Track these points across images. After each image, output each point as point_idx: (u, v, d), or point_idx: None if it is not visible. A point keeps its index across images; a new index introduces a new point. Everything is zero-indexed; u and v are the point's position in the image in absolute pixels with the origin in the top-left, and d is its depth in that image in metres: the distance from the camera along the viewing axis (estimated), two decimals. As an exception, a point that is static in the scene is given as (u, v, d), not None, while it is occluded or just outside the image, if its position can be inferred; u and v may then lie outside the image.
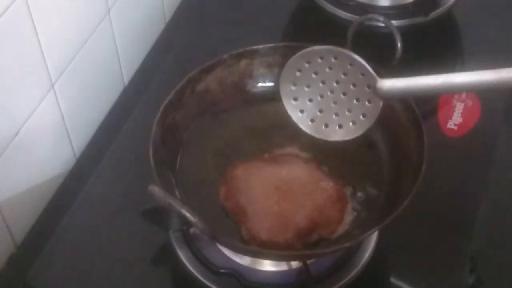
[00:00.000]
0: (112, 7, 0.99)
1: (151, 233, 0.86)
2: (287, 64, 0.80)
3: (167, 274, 0.86)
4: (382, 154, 0.87)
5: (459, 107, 1.03)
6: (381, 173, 0.85)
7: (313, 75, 0.79)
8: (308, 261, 0.81)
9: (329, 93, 0.79)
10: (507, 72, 0.68)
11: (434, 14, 1.09)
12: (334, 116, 0.80)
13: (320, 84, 0.79)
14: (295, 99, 0.81)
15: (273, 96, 0.93)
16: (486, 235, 0.88)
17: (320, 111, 0.80)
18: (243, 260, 0.83)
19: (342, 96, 0.79)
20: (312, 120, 0.81)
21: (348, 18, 1.07)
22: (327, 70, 0.78)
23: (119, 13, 1.00)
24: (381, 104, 0.76)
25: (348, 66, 0.77)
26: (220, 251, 0.84)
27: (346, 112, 0.79)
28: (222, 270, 0.82)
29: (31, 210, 0.92)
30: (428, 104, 1.03)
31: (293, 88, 0.81)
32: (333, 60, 0.77)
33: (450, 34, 1.16)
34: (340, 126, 0.80)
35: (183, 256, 0.84)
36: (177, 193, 0.82)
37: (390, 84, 0.75)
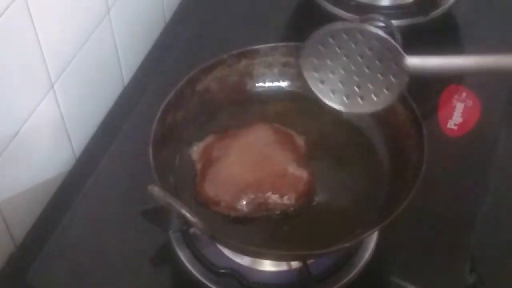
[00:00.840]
0: (112, 7, 0.99)
1: (151, 233, 0.86)
2: (310, 38, 0.79)
3: (167, 274, 0.86)
4: (382, 154, 0.87)
5: (459, 107, 1.03)
6: (381, 173, 0.85)
7: (337, 49, 0.79)
8: (308, 261, 0.81)
9: (352, 67, 0.79)
10: None
11: (434, 14, 1.09)
12: (356, 88, 0.79)
13: (344, 58, 0.79)
14: (316, 70, 0.80)
15: (273, 96, 0.93)
16: (486, 235, 0.88)
17: (342, 83, 0.80)
18: (243, 260, 0.83)
19: (366, 70, 0.78)
20: (332, 91, 0.80)
21: (348, 18, 1.07)
22: (352, 45, 0.78)
23: (119, 13, 1.00)
24: (407, 79, 0.76)
25: (375, 42, 0.77)
26: (220, 251, 0.84)
27: (369, 85, 0.78)
28: (222, 270, 0.82)
29: (31, 210, 0.92)
30: (428, 104, 1.03)
31: (315, 61, 0.80)
32: (359, 36, 0.77)
33: (450, 34, 1.16)
34: (362, 98, 0.79)
35: (183, 256, 0.84)
36: (177, 193, 0.82)
37: (419, 61, 0.75)
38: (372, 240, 0.85)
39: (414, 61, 0.75)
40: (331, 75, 0.80)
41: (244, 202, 0.81)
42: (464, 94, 1.04)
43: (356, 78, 0.79)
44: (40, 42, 0.84)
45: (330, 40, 0.78)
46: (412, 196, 0.75)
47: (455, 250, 0.87)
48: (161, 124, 0.83)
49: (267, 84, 0.94)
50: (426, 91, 1.04)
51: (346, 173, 0.85)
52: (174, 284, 0.86)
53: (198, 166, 0.85)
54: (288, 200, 0.81)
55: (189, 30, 1.16)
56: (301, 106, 0.92)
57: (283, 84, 0.94)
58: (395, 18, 1.03)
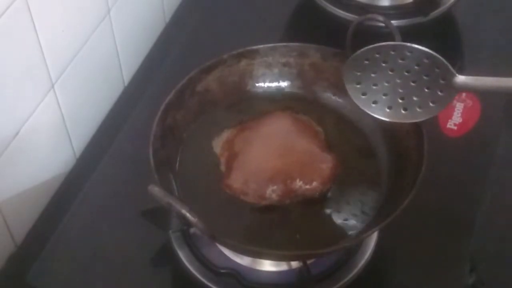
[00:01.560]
0: (112, 7, 0.99)
1: (151, 233, 0.86)
2: (355, 55, 0.81)
3: (167, 274, 0.86)
4: (382, 154, 0.87)
5: (459, 107, 1.03)
6: (381, 173, 0.85)
7: (383, 64, 0.80)
8: (308, 261, 0.81)
9: (397, 80, 0.79)
10: None
11: (434, 14, 1.09)
12: (399, 99, 0.79)
13: (389, 72, 0.79)
14: (359, 82, 0.80)
15: (273, 96, 0.93)
16: (486, 235, 0.88)
17: (385, 94, 0.79)
18: (243, 260, 0.83)
19: (411, 83, 0.79)
20: (374, 102, 0.80)
21: (348, 18, 1.07)
22: (399, 61, 0.79)
23: (119, 13, 1.00)
24: (455, 94, 0.77)
25: (424, 60, 0.78)
26: (220, 251, 0.84)
27: (414, 97, 0.78)
28: (222, 270, 0.82)
29: (31, 210, 0.92)
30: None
31: (358, 73, 0.80)
32: (406, 53, 0.79)
33: (450, 34, 1.16)
34: (405, 109, 0.79)
35: (183, 256, 0.84)
36: (177, 193, 0.82)
37: (471, 81, 0.76)
38: (372, 240, 0.85)
39: (466, 81, 0.77)
40: (374, 87, 0.80)
41: (273, 190, 0.81)
42: (464, 94, 1.04)
43: (400, 90, 0.79)
44: (41, 42, 0.84)
45: (376, 55, 0.80)
46: (412, 196, 0.75)
47: (455, 250, 0.87)
48: (161, 124, 0.83)
49: (267, 84, 0.94)
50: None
51: (346, 173, 0.85)
52: (174, 284, 0.86)
53: (222, 160, 0.86)
54: (316, 185, 0.82)
55: (189, 30, 1.16)
56: (301, 106, 0.92)
57: (283, 84, 0.94)
58: (395, 18, 1.03)
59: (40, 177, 0.92)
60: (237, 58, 0.91)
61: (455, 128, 1.00)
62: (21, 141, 0.84)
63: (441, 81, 0.77)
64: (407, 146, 0.83)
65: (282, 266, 0.83)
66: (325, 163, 0.84)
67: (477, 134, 1.00)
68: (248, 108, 0.92)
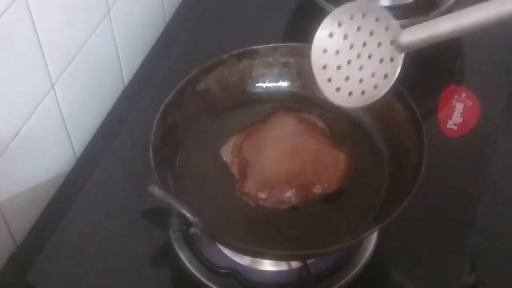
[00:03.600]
0: (112, 7, 0.99)
1: (151, 233, 0.86)
2: (321, 27, 0.78)
3: (167, 274, 0.86)
4: (382, 154, 0.87)
5: (459, 107, 1.03)
6: (381, 173, 0.85)
7: (343, 39, 0.78)
8: (308, 261, 0.81)
9: (356, 58, 0.78)
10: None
11: (434, 14, 1.09)
12: (359, 82, 0.78)
13: (349, 49, 0.78)
14: (324, 67, 0.79)
15: (273, 96, 0.93)
16: (486, 235, 0.88)
17: (347, 78, 0.78)
18: (243, 260, 0.83)
19: (368, 59, 0.77)
20: (338, 89, 0.79)
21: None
22: (356, 31, 0.77)
23: (119, 13, 1.00)
24: (402, 58, 0.75)
25: (375, 22, 0.76)
26: (220, 251, 0.84)
27: (371, 77, 0.77)
28: (222, 270, 0.82)
29: (31, 210, 0.92)
30: (428, 104, 1.03)
31: (324, 54, 0.79)
32: (361, 18, 0.77)
33: (450, 34, 1.15)
34: (363, 92, 0.78)
35: (183, 256, 0.84)
36: (177, 193, 0.82)
37: (412, 31, 0.75)
38: (372, 240, 0.85)
39: (409, 33, 0.75)
40: (336, 70, 0.79)
41: (292, 193, 0.81)
42: (464, 94, 1.04)
43: (358, 71, 0.78)
44: (41, 42, 0.84)
45: (337, 27, 0.78)
46: (412, 196, 0.75)
47: (455, 250, 0.87)
48: (161, 124, 0.83)
49: (267, 84, 0.94)
50: (426, 91, 1.04)
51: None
52: (174, 284, 0.86)
53: (234, 168, 0.85)
54: (333, 183, 0.82)
55: (189, 30, 1.16)
56: (301, 106, 0.92)
57: (283, 84, 0.94)
58: (395, 18, 1.03)
59: (40, 177, 0.92)
60: (237, 58, 0.91)
61: (455, 128, 1.00)
62: (21, 141, 0.84)
63: (390, 46, 0.76)
64: (407, 146, 0.83)
65: (282, 266, 0.83)
66: (339, 161, 0.84)
67: (477, 134, 1.00)
68: (248, 108, 0.92)
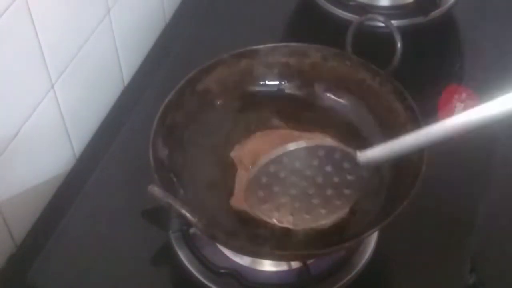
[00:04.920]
0: (112, 7, 0.99)
1: (151, 233, 0.86)
2: (251, 179, 0.74)
3: (167, 274, 0.86)
4: (382, 154, 0.87)
5: (459, 107, 1.03)
6: (381, 173, 0.85)
7: (281, 174, 0.74)
8: (308, 261, 0.81)
9: (303, 183, 0.74)
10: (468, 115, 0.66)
11: (434, 14, 1.09)
12: (314, 201, 0.75)
13: (292, 178, 0.74)
14: (265, 202, 0.76)
15: (273, 96, 0.93)
16: (486, 235, 0.88)
17: (299, 202, 0.75)
18: (243, 260, 0.83)
19: (318, 180, 0.74)
20: (292, 214, 0.76)
21: (348, 18, 1.07)
22: (296, 164, 0.73)
23: (119, 13, 1.00)
24: (364, 173, 0.73)
25: (319, 153, 0.72)
26: (220, 251, 0.84)
27: (327, 192, 0.75)
28: (222, 270, 0.82)
29: (31, 210, 0.92)
30: (428, 104, 1.03)
31: (261, 194, 0.75)
32: (301, 154, 0.72)
33: (450, 34, 1.16)
34: (324, 208, 0.76)
35: (183, 256, 0.84)
36: (177, 193, 0.82)
37: (371, 155, 0.73)
38: (372, 240, 0.85)
39: (366, 155, 0.72)
40: (283, 200, 0.75)
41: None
42: (464, 94, 1.04)
43: (310, 192, 0.75)
44: (40, 42, 0.84)
45: (272, 168, 0.73)
46: (412, 196, 0.75)
47: (455, 250, 0.87)
48: (161, 124, 0.83)
49: (267, 84, 0.94)
50: (426, 91, 1.04)
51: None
52: (174, 284, 0.86)
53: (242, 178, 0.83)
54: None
55: (189, 30, 1.16)
56: (301, 106, 0.92)
57: (283, 84, 0.94)
58: (395, 18, 1.03)
59: (40, 177, 0.92)
60: (237, 58, 0.91)
61: (455, 128, 1.00)
62: (21, 141, 0.84)
63: (346, 165, 0.73)
64: (407, 146, 0.83)
65: (282, 266, 0.83)
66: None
67: (477, 134, 0.99)
68: (249, 108, 0.92)
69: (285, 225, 0.78)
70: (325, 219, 0.77)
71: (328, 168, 0.74)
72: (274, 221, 0.78)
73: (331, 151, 0.73)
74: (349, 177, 0.74)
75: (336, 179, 0.74)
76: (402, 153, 0.72)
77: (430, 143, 0.70)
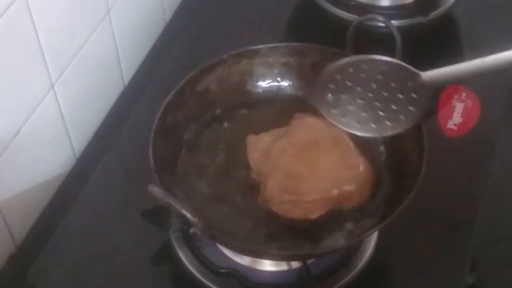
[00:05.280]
0: (112, 7, 0.99)
1: (151, 233, 0.86)
2: (318, 82, 0.78)
3: (167, 274, 0.86)
4: (382, 154, 0.87)
5: (459, 107, 1.03)
6: (381, 173, 0.85)
7: (348, 83, 0.77)
8: (308, 261, 0.81)
9: (369, 94, 0.77)
10: None
11: (434, 14, 1.09)
12: (380, 112, 0.78)
13: (358, 89, 0.78)
14: (335, 107, 0.79)
15: (273, 96, 0.93)
16: (486, 235, 0.88)
17: (365, 111, 0.78)
18: (243, 260, 0.83)
19: (384, 93, 0.77)
20: (358, 122, 0.79)
21: (348, 18, 1.07)
22: (362, 75, 0.77)
23: (119, 13, 1.00)
24: (429, 92, 0.76)
25: (383, 68, 0.76)
26: (220, 251, 0.84)
27: (393, 106, 0.77)
28: (222, 270, 0.82)
29: (31, 210, 0.92)
30: (428, 104, 1.03)
31: (330, 99, 0.79)
32: (365, 66, 0.76)
33: (450, 34, 1.16)
34: (389, 120, 0.78)
35: (183, 256, 0.84)
36: (177, 193, 0.82)
37: (434, 75, 0.76)
38: (372, 240, 0.85)
39: (431, 76, 0.76)
40: (351, 107, 0.79)
41: (324, 205, 0.80)
42: (464, 94, 1.04)
43: (377, 104, 0.78)
44: (41, 42, 0.84)
45: (337, 76, 0.77)
46: (412, 196, 0.75)
47: (455, 250, 0.87)
48: (161, 124, 0.83)
49: (267, 84, 0.94)
50: (426, 91, 1.04)
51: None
52: (174, 284, 0.86)
53: (260, 177, 0.84)
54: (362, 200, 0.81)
55: (189, 30, 1.16)
56: (301, 106, 0.92)
57: (283, 84, 0.94)
58: (395, 18, 1.03)
59: (40, 177, 0.92)
60: (237, 58, 0.91)
61: (455, 128, 1.00)
62: (21, 141, 0.84)
63: (409, 83, 0.76)
64: (407, 146, 0.83)
65: (282, 266, 0.83)
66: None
67: (477, 134, 1.00)
68: (249, 108, 0.92)
69: (352, 131, 0.80)
70: (391, 131, 0.79)
71: (393, 84, 0.76)
72: (341, 126, 0.80)
73: (395, 68, 0.76)
74: (413, 95, 0.76)
75: (401, 96, 0.77)
76: (460, 77, 0.77)
77: (485, 71, 0.74)
